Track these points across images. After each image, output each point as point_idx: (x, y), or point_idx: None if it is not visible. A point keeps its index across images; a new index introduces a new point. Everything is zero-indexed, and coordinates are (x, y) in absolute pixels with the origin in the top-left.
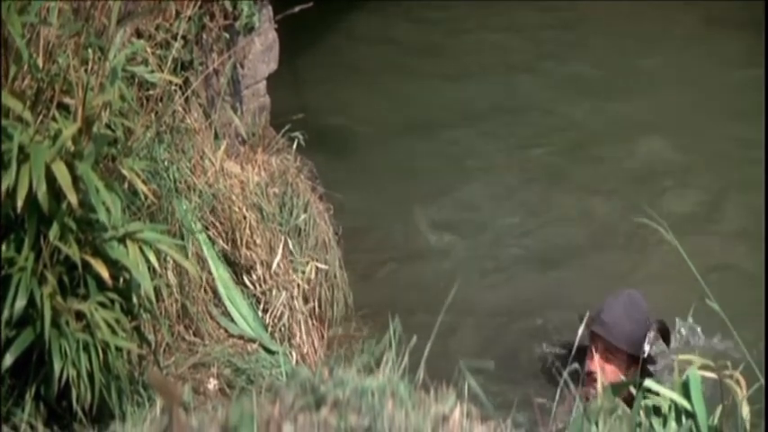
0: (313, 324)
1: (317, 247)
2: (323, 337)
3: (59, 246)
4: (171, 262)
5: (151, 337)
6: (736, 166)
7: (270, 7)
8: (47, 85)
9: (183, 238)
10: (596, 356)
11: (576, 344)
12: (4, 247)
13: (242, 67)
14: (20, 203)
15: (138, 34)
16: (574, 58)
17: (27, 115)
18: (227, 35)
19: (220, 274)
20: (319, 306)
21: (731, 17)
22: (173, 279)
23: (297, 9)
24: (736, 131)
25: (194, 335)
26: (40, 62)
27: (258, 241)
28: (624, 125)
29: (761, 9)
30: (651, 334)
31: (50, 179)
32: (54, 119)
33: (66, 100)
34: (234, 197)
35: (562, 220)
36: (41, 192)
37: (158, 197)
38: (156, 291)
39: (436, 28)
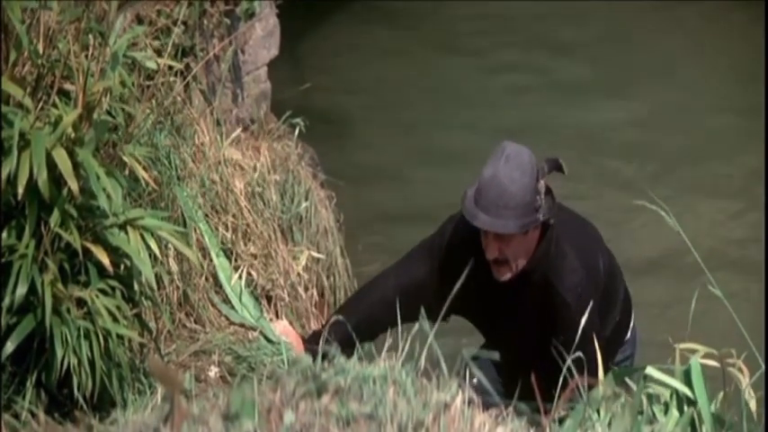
0: (314, 312)
1: (318, 235)
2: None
3: (60, 233)
4: (172, 249)
5: (152, 324)
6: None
7: None
8: (47, 71)
9: (184, 225)
10: (490, 242)
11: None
12: (4, 234)
13: (243, 53)
14: (20, 190)
15: (139, 20)
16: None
17: (27, 101)
18: (228, 21)
19: (221, 261)
20: (321, 294)
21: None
22: (174, 266)
23: None
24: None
25: (195, 322)
26: (40, 48)
27: (259, 229)
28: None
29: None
30: (541, 184)
31: (51, 166)
32: (54, 105)
33: (67, 86)
34: (235, 184)
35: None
36: (42, 179)
37: (159, 184)
38: (158, 278)
39: (438, 11)
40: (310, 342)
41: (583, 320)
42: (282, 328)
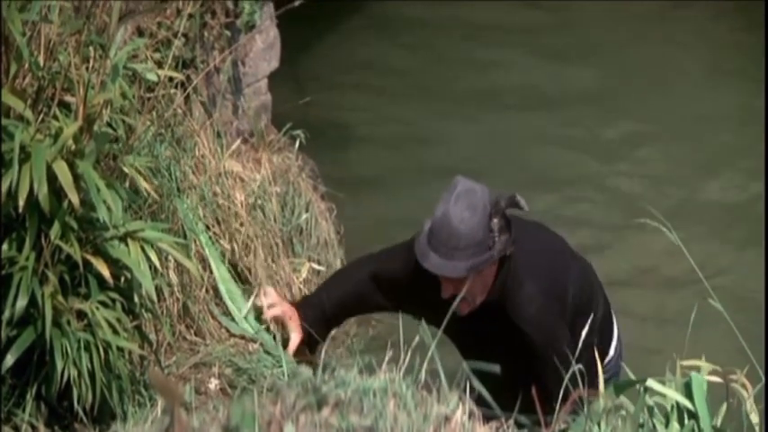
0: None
1: (318, 247)
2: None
3: (60, 245)
4: (172, 261)
5: (152, 336)
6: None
7: (271, 5)
8: (48, 84)
9: (184, 237)
10: (444, 282)
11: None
12: (5, 247)
13: (243, 65)
14: (21, 203)
15: (140, 32)
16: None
17: (28, 114)
18: (229, 33)
19: (221, 273)
20: None
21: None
22: (174, 278)
23: (297, 3)
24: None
25: (195, 334)
26: (41, 60)
27: (259, 241)
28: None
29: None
30: (494, 222)
31: (51, 178)
32: (55, 117)
33: (67, 98)
34: (235, 196)
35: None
36: (42, 191)
37: (160, 195)
38: (158, 290)
39: (438, 27)
40: (302, 309)
41: (546, 339)
42: (273, 298)
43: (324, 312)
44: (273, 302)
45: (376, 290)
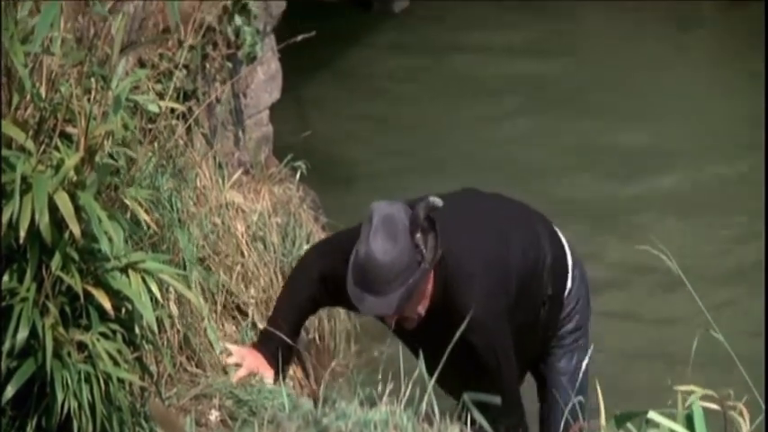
0: (314, 355)
1: None
2: (325, 368)
3: (61, 276)
4: (173, 292)
5: (153, 368)
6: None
7: (273, 37)
8: (49, 115)
9: (185, 268)
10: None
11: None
12: (6, 278)
13: (244, 96)
14: (22, 234)
15: (141, 63)
16: None
17: (29, 145)
18: (230, 64)
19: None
20: (321, 338)
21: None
22: (175, 309)
23: (299, 38)
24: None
25: (196, 366)
26: (42, 91)
27: (260, 272)
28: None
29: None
30: (418, 237)
31: (52, 209)
32: (56, 148)
33: (69, 129)
34: (236, 227)
35: None
36: (44, 222)
37: (161, 227)
38: (159, 321)
39: (439, 58)
40: (264, 345)
41: (489, 343)
42: (237, 356)
43: (286, 336)
44: (237, 361)
45: (325, 293)
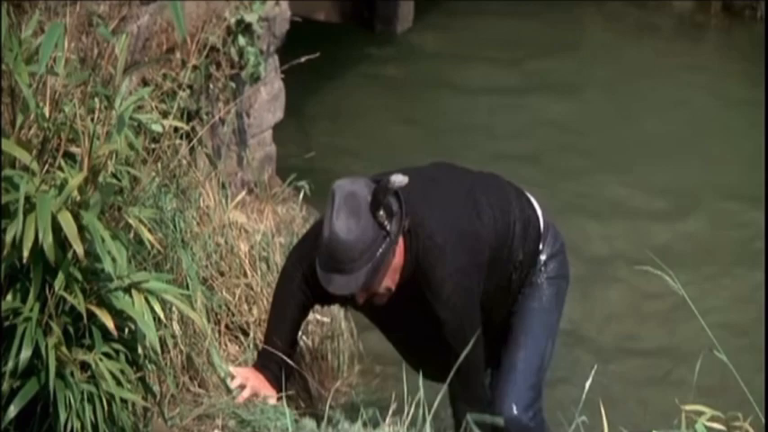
0: (317, 375)
1: None
2: (328, 388)
3: (65, 296)
4: (176, 312)
5: (156, 388)
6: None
7: (276, 57)
8: (53, 135)
9: (188, 288)
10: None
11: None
12: (9, 297)
13: (248, 116)
14: (26, 253)
15: (145, 83)
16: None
17: (33, 165)
18: (234, 84)
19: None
20: (323, 357)
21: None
22: (178, 329)
23: (303, 59)
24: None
25: (199, 386)
26: (46, 111)
27: (263, 292)
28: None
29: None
30: (381, 213)
31: (56, 229)
32: (60, 168)
33: (73, 149)
34: (240, 247)
35: None
36: (47, 242)
37: (164, 246)
38: (162, 341)
39: (445, 78)
40: (264, 366)
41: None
42: (240, 379)
43: (283, 351)
44: (240, 383)
45: (312, 296)
